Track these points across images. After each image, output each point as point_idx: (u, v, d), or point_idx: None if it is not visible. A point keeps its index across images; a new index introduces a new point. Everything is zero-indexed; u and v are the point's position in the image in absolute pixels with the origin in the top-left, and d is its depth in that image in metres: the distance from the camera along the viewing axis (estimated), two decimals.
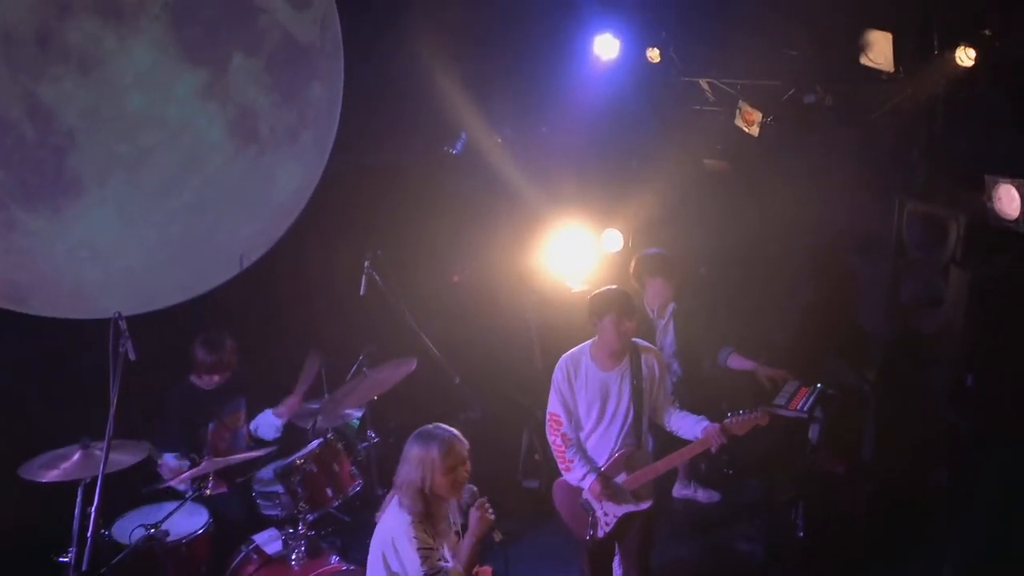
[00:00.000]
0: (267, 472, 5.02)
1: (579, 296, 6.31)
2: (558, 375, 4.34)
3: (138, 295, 5.57)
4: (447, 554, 3.44)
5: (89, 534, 4.01)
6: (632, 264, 5.49)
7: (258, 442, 5.20)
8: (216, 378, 5.08)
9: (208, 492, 4.66)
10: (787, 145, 6.14)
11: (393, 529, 3.38)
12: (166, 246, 5.73)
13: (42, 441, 4.32)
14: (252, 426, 5.23)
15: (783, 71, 5.82)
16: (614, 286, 4.43)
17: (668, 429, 4.48)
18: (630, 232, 6.59)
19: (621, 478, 4.35)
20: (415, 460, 3.38)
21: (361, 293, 5.05)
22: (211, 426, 5.13)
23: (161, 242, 5.70)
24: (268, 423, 5.20)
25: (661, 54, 6.22)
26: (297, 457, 4.83)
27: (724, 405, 5.26)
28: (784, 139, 6.05)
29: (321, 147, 6.20)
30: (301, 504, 4.70)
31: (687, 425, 4.35)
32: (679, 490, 5.96)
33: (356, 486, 5.00)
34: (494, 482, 5.69)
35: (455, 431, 3.46)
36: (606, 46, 6.32)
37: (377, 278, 5.11)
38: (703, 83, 6.33)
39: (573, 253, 6.49)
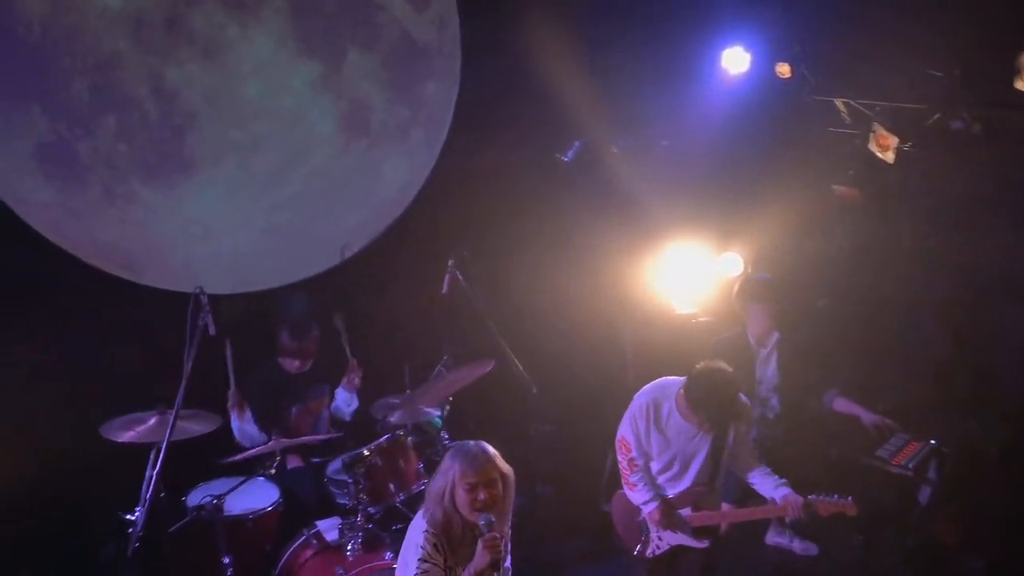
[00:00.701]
0: (339, 461, 5.15)
1: (683, 319, 6.31)
2: (636, 408, 4.40)
3: (240, 276, 5.98)
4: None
5: (148, 496, 4.31)
6: (736, 287, 5.40)
7: (340, 427, 5.46)
8: (296, 363, 5.36)
9: (273, 471, 4.91)
10: (928, 175, 5.88)
11: (411, 532, 3.48)
12: (271, 231, 6.09)
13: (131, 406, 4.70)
14: (332, 407, 5.50)
15: (927, 93, 5.60)
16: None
17: (747, 482, 4.54)
18: (750, 256, 6.45)
19: (685, 512, 4.45)
20: (443, 470, 3.46)
21: (443, 291, 5.19)
22: (295, 409, 5.42)
23: (267, 227, 6.08)
24: (341, 398, 5.49)
25: (793, 70, 6.10)
26: (365, 448, 4.99)
27: (833, 452, 5.23)
28: (925, 168, 5.80)
29: (431, 145, 6.43)
30: (362, 496, 4.85)
31: (767, 486, 4.40)
32: (773, 537, 5.75)
33: (421, 484, 5.06)
34: (567, 499, 5.88)
35: (492, 453, 3.45)
36: (735, 60, 6.26)
37: (460, 278, 5.24)
38: (838, 103, 6.15)
39: (684, 274, 6.42)
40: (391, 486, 5.01)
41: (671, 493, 4.49)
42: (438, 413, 5.76)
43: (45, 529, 5.17)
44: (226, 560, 4.66)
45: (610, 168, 6.64)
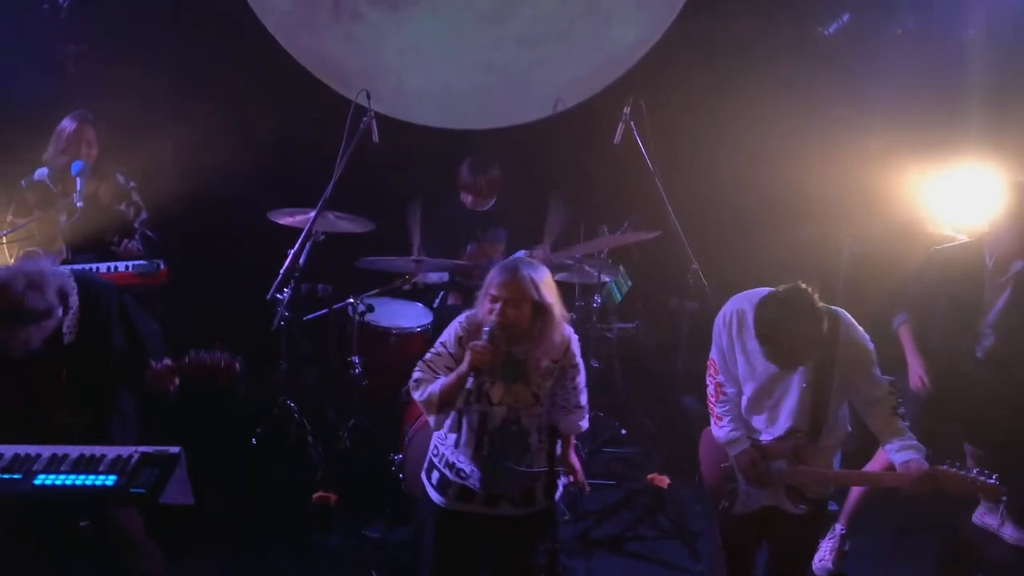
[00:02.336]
0: None
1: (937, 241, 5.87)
2: (719, 319, 3.91)
3: (448, 111, 6.54)
4: (489, 389, 3.57)
5: (283, 270, 5.10)
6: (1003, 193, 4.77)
7: None
8: (471, 198, 5.86)
9: (405, 287, 5.47)
10: None
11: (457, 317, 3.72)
12: (486, 71, 6.56)
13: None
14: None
15: None
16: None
17: (874, 433, 3.95)
18: None
19: (779, 465, 3.91)
20: (489, 276, 3.63)
21: (615, 141, 5.31)
22: (470, 247, 5.92)
23: (482, 66, 6.54)
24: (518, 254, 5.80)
25: None
26: None
27: None
28: None
29: (671, 5, 6.51)
30: None
31: (891, 446, 3.80)
32: (981, 515, 5.40)
33: None
34: None
35: (532, 278, 3.50)
36: None
37: (635, 129, 5.29)
38: None
39: (962, 195, 5.88)
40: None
41: (765, 434, 3.93)
42: (611, 279, 6.07)
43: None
44: (355, 359, 5.38)
45: (885, 53, 6.27)
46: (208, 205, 6.09)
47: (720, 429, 3.98)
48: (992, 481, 3.72)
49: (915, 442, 3.78)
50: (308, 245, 5.29)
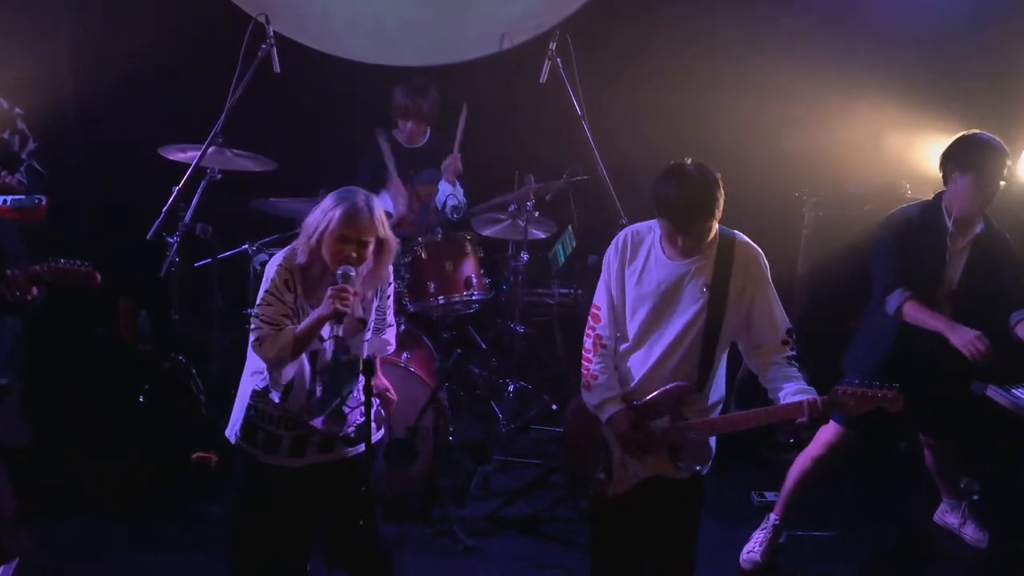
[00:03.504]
0: None
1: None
2: (610, 249, 3.84)
3: (379, 45, 6.41)
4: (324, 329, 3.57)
5: (165, 208, 5.07)
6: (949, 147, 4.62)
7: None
8: (409, 127, 5.76)
9: None
10: None
11: (268, 266, 3.68)
12: (424, 5, 6.45)
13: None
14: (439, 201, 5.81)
15: None
16: None
17: (762, 383, 3.84)
18: None
19: (661, 423, 3.76)
20: (323, 208, 3.59)
21: (541, 80, 5.22)
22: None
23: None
24: (442, 189, 5.80)
25: None
26: (419, 239, 5.41)
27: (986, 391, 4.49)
28: None
29: None
30: (404, 288, 5.31)
31: (787, 389, 3.68)
32: (943, 514, 5.27)
33: (468, 295, 5.39)
34: None
35: (380, 215, 3.59)
36: None
37: (561, 68, 5.19)
38: None
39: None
40: (430, 285, 5.35)
41: (641, 383, 3.78)
42: (564, 246, 6.06)
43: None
44: (252, 312, 5.13)
45: None
46: (104, 139, 6.08)
47: (593, 392, 3.83)
48: (892, 392, 3.61)
49: (811, 388, 3.68)
50: (203, 184, 5.24)
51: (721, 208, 3.61)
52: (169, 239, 5.26)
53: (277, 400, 3.68)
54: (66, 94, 6.12)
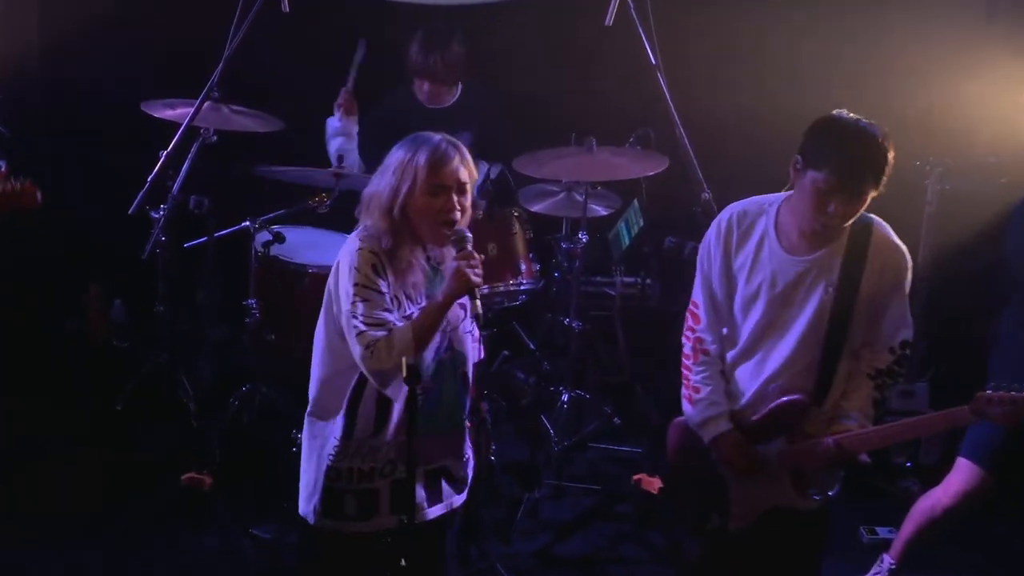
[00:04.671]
0: None
1: None
2: (711, 233, 3.68)
3: None
4: (415, 311, 3.32)
5: (151, 177, 4.79)
6: None
7: None
8: (426, 87, 5.47)
9: (322, 209, 5.04)
10: None
11: (342, 255, 3.34)
12: None
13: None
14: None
15: None
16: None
17: None
18: None
19: (775, 445, 3.66)
20: (392, 167, 3.29)
21: (607, 22, 4.87)
22: None
23: None
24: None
25: None
26: None
27: None
28: None
29: None
30: None
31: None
32: None
33: (518, 284, 5.10)
34: None
35: (465, 151, 3.35)
36: None
37: (632, 7, 4.85)
38: None
39: None
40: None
41: (754, 398, 3.65)
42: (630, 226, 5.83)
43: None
44: (251, 303, 5.04)
45: None
46: (75, 92, 5.88)
47: (696, 408, 3.71)
48: None
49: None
50: (195, 147, 4.96)
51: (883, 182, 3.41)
52: (153, 214, 4.97)
53: (368, 435, 3.39)
54: (29, 37, 5.91)
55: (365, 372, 3.23)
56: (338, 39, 5.81)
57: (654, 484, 4.76)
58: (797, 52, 5.87)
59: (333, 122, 5.47)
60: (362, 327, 3.19)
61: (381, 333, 3.18)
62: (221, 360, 5.54)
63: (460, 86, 5.58)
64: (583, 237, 5.37)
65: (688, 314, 3.77)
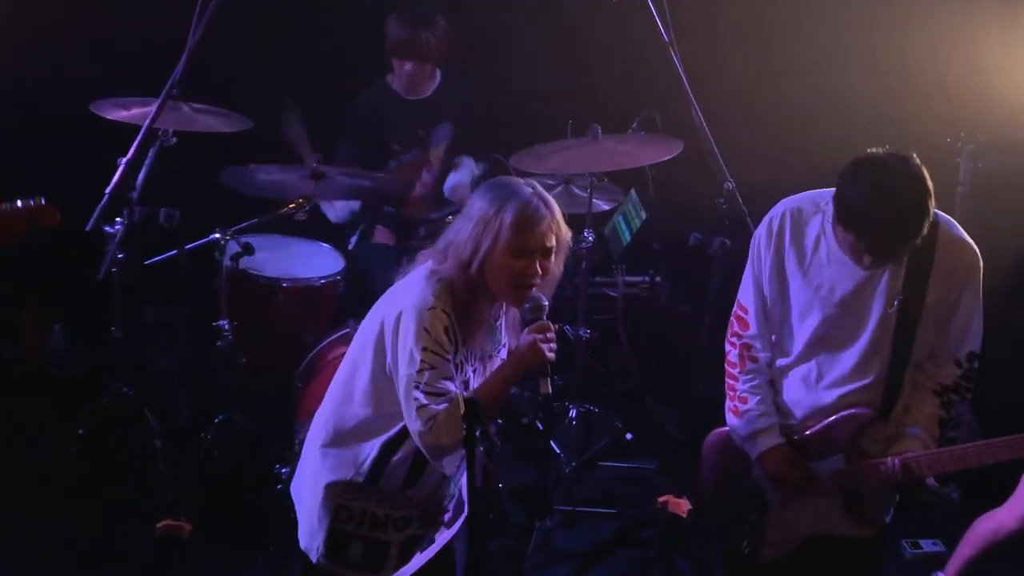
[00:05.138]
0: None
1: None
2: (760, 232, 3.58)
3: None
4: (472, 377, 3.21)
5: (109, 188, 4.52)
6: None
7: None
8: (409, 67, 5.26)
9: (300, 216, 4.89)
10: None
11: (405, 301, 3.14)
12: None
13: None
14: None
15: None
16: None
17: None
18: None
19: (828, 464, 3.56)
20: (474, 217, 3.11)
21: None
22: (406, 155, 5.42)
23: None
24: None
25: None
26: (448, 216, 4.90)
27: None
28: None
29: None
30: None
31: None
32: None
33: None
34: None
35: (556, 209, 3.16)
36: None
37: None
38: None
39: None
40: None
41: (809, 412, 3.57)
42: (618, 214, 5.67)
43: None
44: (223, 324, 4.86)
45: None
46: (13, 89, 5.65)
47: (742, 420, 3.61)
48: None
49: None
50: (152, 151, 4.68)
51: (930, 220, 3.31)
52: (108, 228, 4.69)
53: (395, 488, 3.29)
54: None
55: (419, 446, 3.11)
56: (310, 26, 5.69)
57: (682, 506, 4.79)
58: (833, 19, 5.76)
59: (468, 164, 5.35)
60: (423, 400, 3.06)
61: (443, 406, 3.06)
62: (190, 389, 5.35)
63: (438, 75, 5.40)
64: (589, 236, 5.17)
65: (734, 318, 3.67)
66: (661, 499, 4.86)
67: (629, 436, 5.53)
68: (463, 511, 3.46)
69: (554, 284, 3.28)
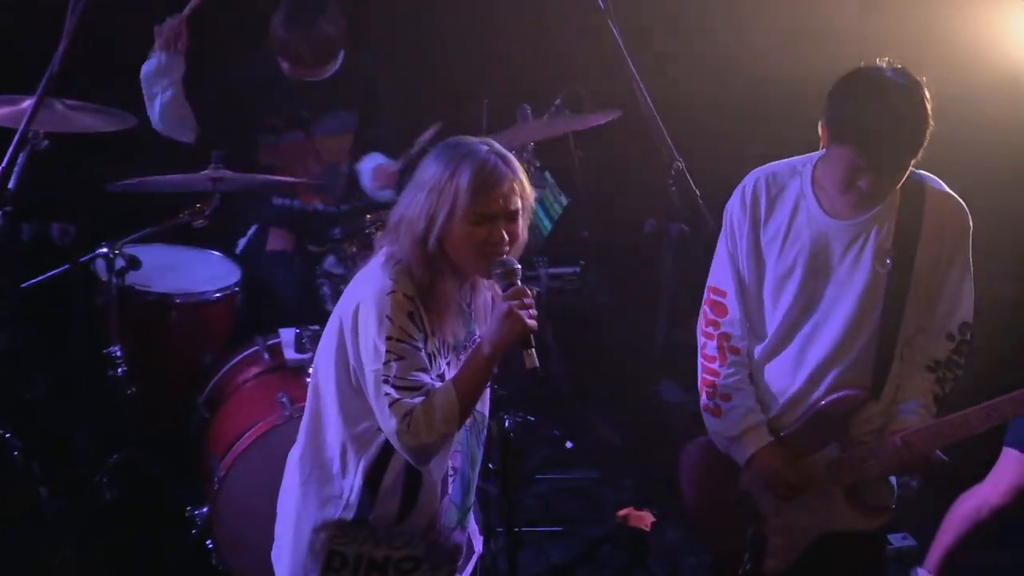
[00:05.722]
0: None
1: None
2: (733, 203, 3.46)
3: None
4: (446, 371, 3.05)
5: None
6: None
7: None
8: (285, 66, 5.08)
9: (240, 246, 4.78)
10: None
11: (362, 292, 2.99)
12: None
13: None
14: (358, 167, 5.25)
15: None
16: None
17: None
18: None
19: (823, 456, 3.47)
20: (426, 185, 2.96)
21: None
22: (291, 136, 5.17)
23: None
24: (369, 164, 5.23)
25: None
26: (368, 221, 4.80)
27: None
28: None
29: None
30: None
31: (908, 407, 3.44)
32: None
33: None
34: None
35: (516, 162, 3.04)
36: None
37: None
38: None
39: None
40: None
41: (788, 398, 3.45)
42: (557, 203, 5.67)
43: None
44: (115, 351, 4.67)
45: None
46: None
47: (724, 420, 3.49)
48: None
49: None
50: (22, 157, 4.38)
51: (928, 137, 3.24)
52: None
53: (390, 521, 3.12)
54: None
55: (399, 449, 2.95)
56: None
57: (645, 519, 4.65)
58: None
59: (149, 65, 4.98)
60: (395, 394, 2.90)
61: (418, 399, 2.90)
62: (80, 424, 4.99)
63: (340, 56, 5.13)
64: None
65: (707, 306, 3.54)
66: (621, 513, 4.67)
67: (569, 444, 5.49)
68: (474, 552, 3.33)
69: (521, 250, 3.11)
